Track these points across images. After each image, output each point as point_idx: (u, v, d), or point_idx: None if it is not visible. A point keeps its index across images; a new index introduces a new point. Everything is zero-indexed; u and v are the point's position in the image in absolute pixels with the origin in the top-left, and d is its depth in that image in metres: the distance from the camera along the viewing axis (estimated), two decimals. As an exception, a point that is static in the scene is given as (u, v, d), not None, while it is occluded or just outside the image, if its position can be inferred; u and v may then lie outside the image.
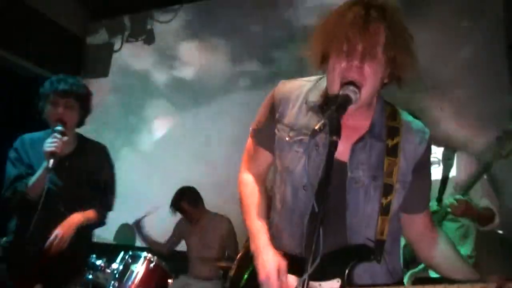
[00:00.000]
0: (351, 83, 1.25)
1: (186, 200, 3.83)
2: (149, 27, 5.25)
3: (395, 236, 1.48)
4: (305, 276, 1.09)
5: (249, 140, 1.60)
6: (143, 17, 5.30)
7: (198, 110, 4.77)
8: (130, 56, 5.28)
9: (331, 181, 1.15)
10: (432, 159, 2.02)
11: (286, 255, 1.38)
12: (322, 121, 1.17)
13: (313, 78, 1.47)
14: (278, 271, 1.31)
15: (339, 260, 1.34)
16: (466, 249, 2.60)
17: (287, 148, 1.42)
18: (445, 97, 3.66)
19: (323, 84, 1.41)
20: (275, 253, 1.36)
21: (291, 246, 1.43)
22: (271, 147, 1.50)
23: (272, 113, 1.49)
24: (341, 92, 1.25)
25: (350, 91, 1.24)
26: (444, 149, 2.77)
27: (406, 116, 1.45)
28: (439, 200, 2.60)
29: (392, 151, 1.36)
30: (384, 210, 1.36)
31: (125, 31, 5.37)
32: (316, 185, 1.34)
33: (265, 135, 1.51)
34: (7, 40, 4.27)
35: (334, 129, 1.14)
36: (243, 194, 1.57)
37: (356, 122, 1.37)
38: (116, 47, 5.38)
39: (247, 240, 1.50)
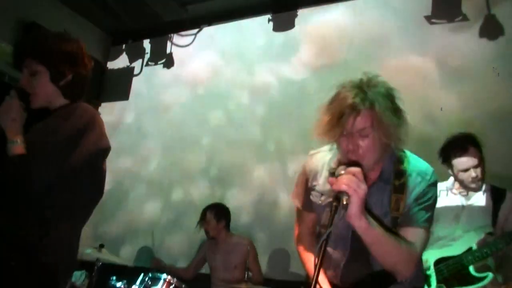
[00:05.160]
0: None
1: (213, 211, 3.82)
2: (168, 51, 5.33)
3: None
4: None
5: (295, 210, 1.92)
6: (162, 41, 5.38)
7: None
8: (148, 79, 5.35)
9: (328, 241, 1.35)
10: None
11: None
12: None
13: (335, 147, 1.67)
14: None
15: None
16: None
17: (321, 209, 1.73)
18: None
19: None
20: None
21: None
22: (312, 209, 1.82)
23: (306, 185, 1.82)
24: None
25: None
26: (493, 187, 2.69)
27: (412, 160, 1.66)
28: (493, 224, 2.58)
29: (399, 189, 1.59)
30: None
31: (145, 55, 5.46)
32: (349, 239, 1.64)
33: (306, 201, 1.84)
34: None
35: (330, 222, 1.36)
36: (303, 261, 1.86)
37: (369, 173, 1.59)
38: (136, 71, 5.47)
39: None
